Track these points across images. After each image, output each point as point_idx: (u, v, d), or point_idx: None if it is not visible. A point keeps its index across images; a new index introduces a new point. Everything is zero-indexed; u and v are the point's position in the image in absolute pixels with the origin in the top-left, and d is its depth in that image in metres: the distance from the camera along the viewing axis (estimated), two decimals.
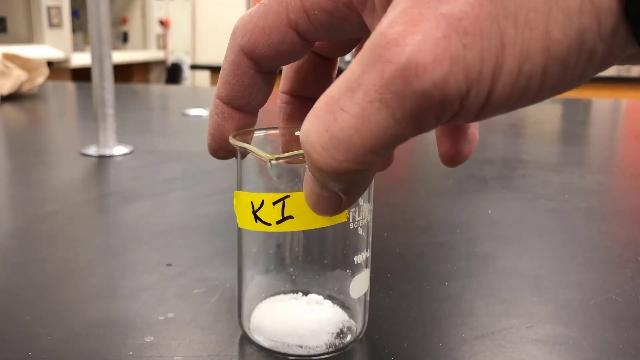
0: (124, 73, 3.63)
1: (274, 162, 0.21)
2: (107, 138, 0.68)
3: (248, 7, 3.65)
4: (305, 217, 0.23)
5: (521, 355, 0.27)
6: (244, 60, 0.21)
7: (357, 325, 0.28)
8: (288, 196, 0.23)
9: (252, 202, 0.24)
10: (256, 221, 0.24)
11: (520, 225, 0.47)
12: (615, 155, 0.83)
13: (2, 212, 0.49)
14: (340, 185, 0.17)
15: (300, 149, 0.17)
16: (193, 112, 1.02)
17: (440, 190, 0.58)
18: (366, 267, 0.27)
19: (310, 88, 0.25)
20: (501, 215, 0.49)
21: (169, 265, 0.36)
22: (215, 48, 3.95)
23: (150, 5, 3.86)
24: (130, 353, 0.27)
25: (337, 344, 0.27)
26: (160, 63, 4.02)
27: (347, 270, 0.26)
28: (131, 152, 0.69)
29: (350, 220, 0.25)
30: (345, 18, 0.19)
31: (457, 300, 0.33)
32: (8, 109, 1.04)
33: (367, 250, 0.27)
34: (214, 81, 2.93)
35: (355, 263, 0.26)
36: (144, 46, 3.92)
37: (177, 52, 4.03)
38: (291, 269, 0.28)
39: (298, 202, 0.23)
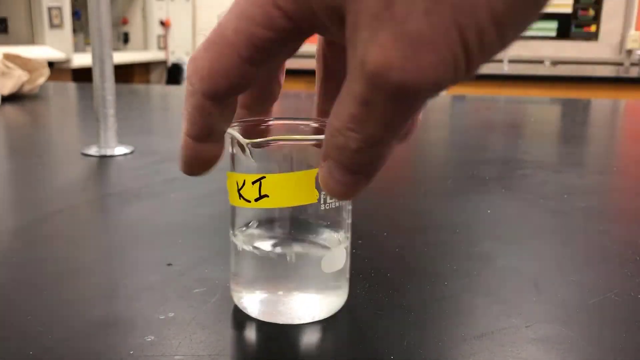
0: (125, 73, 3.63)
1: (249, 145, 0.26)
2: (108, 138, 0.68)
3: None
4: (278, 197, 0.26)
5: (520, 354, 0.27)
6: (207, 103, 0.22)
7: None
8: (264, 177, 0.26)
9: (237, 182, 0.27)
10: (240, 198, 0.27)
11: (519, 225, 0.47)
12: (615, 155, 0.83)
13: (3, 212, 0.49)
14: (371, 168, 0.19)
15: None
16: None
17: (440, 190, 0.58)
18: (341, 244, 0.29)
19: (263, 100, 0.27)
20: (501, 215, 0.49)
21: (169, 265, 0.36)
22: None
23: (151, 6, 3.87)
24: (131, 352, 0.27)
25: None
26: (161, 63, 4.02)
27: (321, 247, 0.29)
28: (132, 153, 0.69)
29: (321, 202, 0.27)
30: (291, 38, 0.20)
31: (457, 300, 0.33)
32: (9, 109, 1.05)
33: (343, 231, 0.30)
34: None
35: (330, 239, 0.29)
36: (145, 47, 3.92)
37: (178, 52, 4.03)
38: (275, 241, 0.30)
39: (272, 183, 0.26)
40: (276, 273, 0.29)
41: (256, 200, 0.26)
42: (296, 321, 0.29)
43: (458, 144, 0.84)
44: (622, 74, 2.95)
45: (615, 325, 0.30)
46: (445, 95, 1.39)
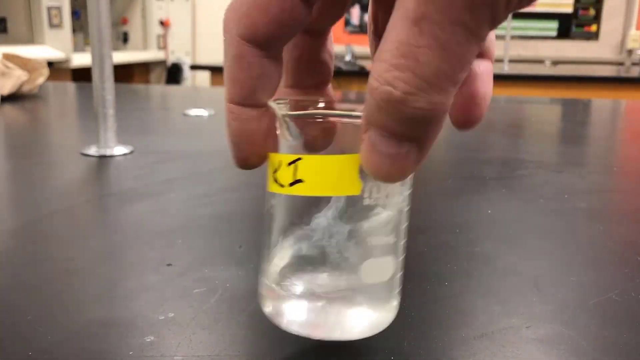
0: (125, 73, 3.63)
1: (286, 119, 0.21)
2: (107, 138, 0.68)
3: None
4: (314, 183, 0.22)
5: (521, 355, 0.27)
6: (247, 49, 0.19)
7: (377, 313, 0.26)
8: (300, 159, 0.22)
9: (273, 163, 0.23)
10: (274, 182, 0.23)
11: (520, 225, 0.47)
12: (615, 155, 0.83)
13: (3, 212, 0.49)
14: (425, 130, 0.17)
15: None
16: (193, 112, 1.02)
17: (440, 190, 0.58)
18: (388, 254, 0.25)
19: (313, 75, 0.24)
20: (501, 215, 0.49)
21: (169, 265, 0.36)
22: (216, 48, 3.95)
23: (151, 6, 3.87)
24: (131, 353, 0.27)
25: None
26: (161, 63, 4.02)
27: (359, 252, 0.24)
28: (131, 153, 0.69)
29: (366, 195, 0.23)
30: None
31: (457, 300, 0.33)
32: (8, 109, 1.04)
33: (390, 235, 0.24)
34: (214, 81, 2.93)
35: (369, 245, 0.24)
36: (144, 46, 3.92)
37: (178, 52, 4.03)
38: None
39: (309, 166, 0.22)
40: (311, 281, 0.25)
41: (290, 185, 0.22)
42: (332, 337, 0.25)
43: (458, 144, 0.84)
44: (623, 74, 2.95)
45: (616, 325, 0.30)
46: None
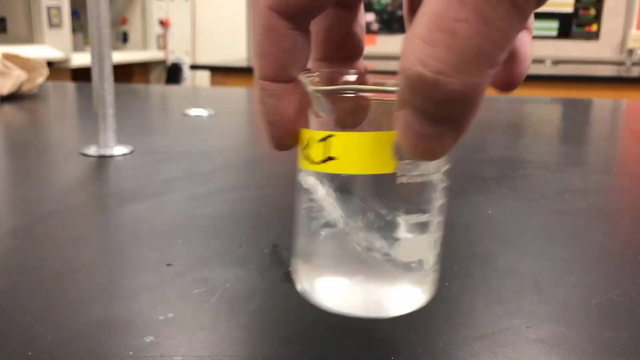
0: (124, 73, 3.63)
1: (317, 94, 0.20)
2: (107, 138, 0.68)
3: (248, 7, 3.65)
4: (348, 160, 0.21)
5: (521, 355, 0.27)
6: (276, 21, 0.19)
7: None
8: (332, 135, 0.21)
9: (304, 140, 0.22)
10: (304, 159, 0.23)
11: (520, 225, 0.47)
12: (615, 155, 0.83)
13: (2, 212, 0.49)
14: (461, 111, 0.16)
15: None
16: (193, 112, 1.02)
17: None
18: (423, 231, 0.24)
19: (344, 48, 0.23)
20: (501, 215, 0.49)
21: (169, 265, 0.36)
22: (215, 48, 3.95)
23: (150, 6, 3.87)
24: (130, 353, 0.27)
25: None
26: (160, 63, 4.02)
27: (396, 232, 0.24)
28: (131, 152, 0.69)
29: (400, 173, 0.22)
30: None
31: (457, 300, 0.33)
32: (8, 109, 1.04)
33: (426, 214, 0.24)
34: (214, 81, 2.92)
35: (404, 222, 0.23)
36: (144, 46, 3.92)
37: (177, 52, 4.03)
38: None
39: (342, 143, 0.21)
40: (344, 258, 0.24)
41: (322, 162, 0.22)
42: (365, 314, 0.25)
43: (458, 144, 0.84)
44: (623, 74, 2.94)
45: (616, 325, 0.30)
46: None
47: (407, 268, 0.24)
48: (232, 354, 0.27)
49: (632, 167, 0.73)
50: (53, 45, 2.93)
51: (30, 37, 2.93)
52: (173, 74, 3.87)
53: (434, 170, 0.23)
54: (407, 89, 0.15)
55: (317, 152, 0.22)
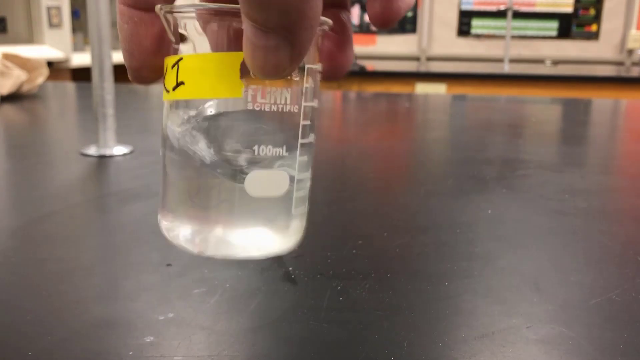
0: (124, 73, 3.61)
1: (167, 15, 0.19)
2: (107, 138, 0.68)
3: None
4: (194, 84, 0.20)
5: (521, 355, 0.27)
6: None
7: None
8: (181, 59, 0.20)
9: (164, 68, 0.21)
10: (164, 91, 0.21)
11: (520, 225, 0.47)
12: (615, 155, 0.83)
13: (2, 212, 0.49)
14: (288, 20, 0.16)
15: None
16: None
17: (440, 190, 0.58)
18: (281, 167, 0.22)
19: None
20: (501, 215, 0.49)
21: (169, 265, 0.36)
22: None
23: None
24: (130, 353, 0.27)
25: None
26: None
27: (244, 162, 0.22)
28: (131, 152, 0.69)
29: (249, 99, 0.20)
30: None
31: (457, 300, 0.33)
32: (8, 109, 1.04)
33: (282, 147, 0.21)
34: None
35: (255, 155, 0.21)
36: None
37: None
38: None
39: (189, 66, 0.20)
40: (200, 197, 0.23)
41: (174, 89, 0.21)
42: (217, 254, 0.23)
43: (458, 144, 0.84)
44: (623, 74, 2.95)
45: (616, 325, 0.30)
46: (445, 95, 1.38)
47: (263, 208, 0.22)
48: (232, 354, 0.27)
49: (632, 167, 0.73)
50: (53, 45, 2.93)
51: (30, 37, 2.93)
52: None
53: (290, 102, 0.21)
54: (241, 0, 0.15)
55: (170, 79, 0.21)
